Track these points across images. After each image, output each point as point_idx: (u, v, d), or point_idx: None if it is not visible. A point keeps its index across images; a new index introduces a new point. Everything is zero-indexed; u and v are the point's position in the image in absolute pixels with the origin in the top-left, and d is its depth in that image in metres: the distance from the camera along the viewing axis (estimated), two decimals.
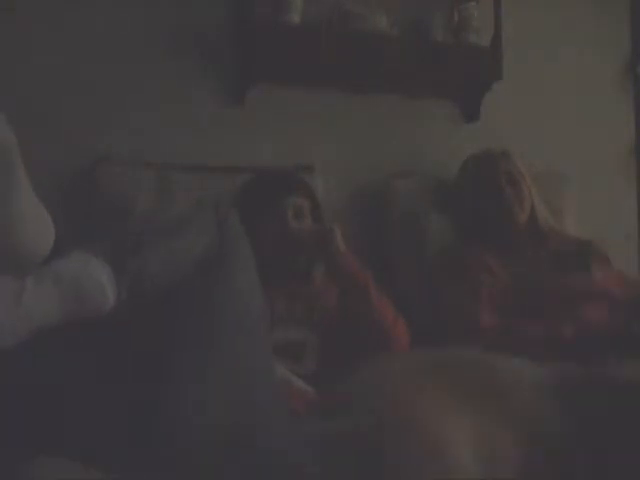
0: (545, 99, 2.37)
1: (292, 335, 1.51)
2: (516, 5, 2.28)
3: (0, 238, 0.93)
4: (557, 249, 1.91)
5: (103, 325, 1.11)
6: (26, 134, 1.04)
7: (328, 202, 1.91)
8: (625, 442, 1.15)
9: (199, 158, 1.97)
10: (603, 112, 2.47)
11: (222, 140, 2.06)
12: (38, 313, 0.99)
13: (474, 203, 1.94)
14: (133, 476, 1.13)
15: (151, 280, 1.10)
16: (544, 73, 2.38)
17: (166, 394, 1.17)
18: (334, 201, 2.01)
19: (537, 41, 2.38)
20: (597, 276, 1.84)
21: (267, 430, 1.19)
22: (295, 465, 1.20)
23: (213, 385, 1.15)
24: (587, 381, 1.21)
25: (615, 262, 1.97)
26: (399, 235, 2.06)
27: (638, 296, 1.86)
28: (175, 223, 1.15)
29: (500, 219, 1.89)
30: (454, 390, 1.12)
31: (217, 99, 2.09)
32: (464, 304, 1.74)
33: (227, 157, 2.01)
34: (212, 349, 1.16)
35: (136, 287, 1.08)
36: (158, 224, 1.15)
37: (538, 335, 1.65)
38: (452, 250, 1.93)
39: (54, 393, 1.23)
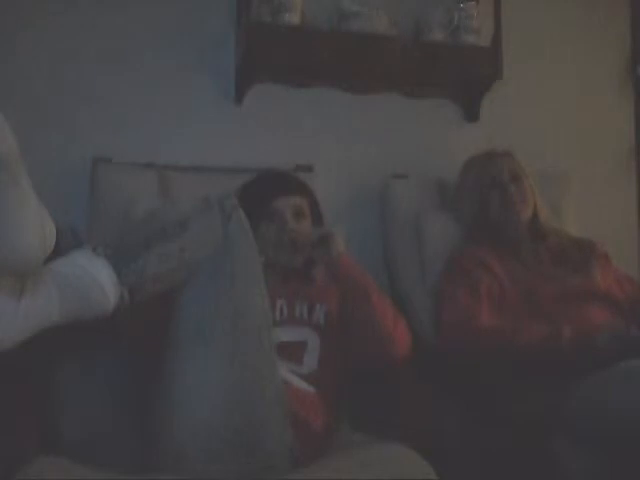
0: (545, 99, 2.37)
1: (292, 335, 1.51)
2: (516, 5, 2.28)
3: (1, 239, 0.93)
4: (558, 249, 1.91)
5: (103, 325, 1.11)
6: (26, 134, 1.04)
7: (328, 202, 1.91)
8: None
9: (199, 158, 1.97)
10: (603, 112, 2.47)
11: (222, 140, 2.07)
12: (38, 313, 0.99)
13: (477, 201, 1.93)
14: (134, 476, 1.13)
15: (152, 280, 1.10)
16: (544, 73, 2.38)
17: (166, 394, 1.17)
18: (334, 201, 2.01)
19: (537, 41, 2.38)
20: (597, 277, 1.84)
21: (268, 431, 1.19)
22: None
23: (214, 385, 1.15)
24: None
25: (615, 262, 1.97)
26: (399, 235, 2.06)
27: (638, 297, 1.86)
28: (176, 223, 1.15)
29: (504, 216, 1.89)
30: None
31: (217, 99, 2.09)
32: (463, 303, 1.74)
33: (227, 157, 2.01)
34: (214, 349, 1.16)
35: (137, 287, 1.08)
36: (158, 224, 1.15)
37: (537, 335, 1.65)
38: (452, 249, 1.93)
39: (54, 393, 1.23)
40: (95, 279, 1.04)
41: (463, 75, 2.21)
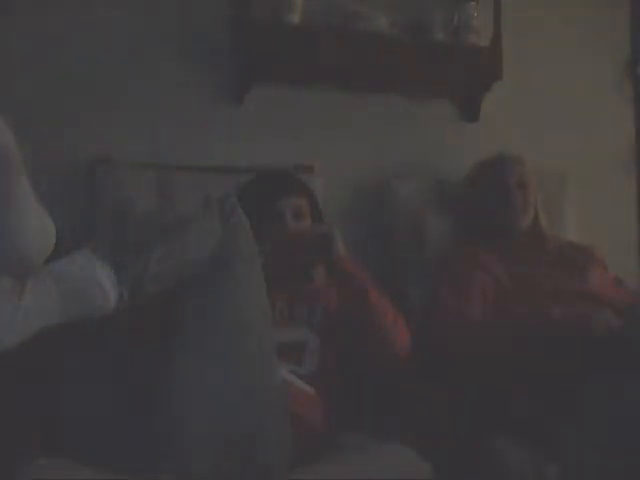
0: (545, 99, 2.37)
1: (292, 336, 1.51)
2: (516, 5, 2.28)
3: (1, 239, 0.93)
4: (556, 253, 1.91)
5: (103, 325, 1.11)
6: (26, 134, 1.04)
7: (328, 202, 1.91)
8: None
9: (199, 158, 1.97)
10: (603, 112, 2.47)
11: (222, 140, 2.06)
12: (38, 313, 0.99)
13: (482, 203, 1.94)
14: (133, 476, 1.13)
15: (152, 280, 1.10)
16: (544, 73, 2.38)
17: (166, 394, 1.17)
18: (334, 201, 2.01)
19: (537, 41, 2.38)
20: (594, 280, 1.85)
21: (268, 431, 1.19)
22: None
23: (214, 386, 1.16)
24: None
25: (614, 263, 1.97)
26: (399, 235, 2.06)
27: (633, 302, 1.86)
28: (176, 223, 1.15)
29: (505, 221, 1.89)
30: None
31: (217, 99, 2.09)
32: (450, 304, 1.73)
33: (227, 157, 2.01)
34: (214, 349, 1.16)
35: (137, 287, 1.08)
36: (158, 224, 1.15)
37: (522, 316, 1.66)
38: (447, 249, 1.93)
39: (54, 393, 1.23)
40: (95, 279, 1.04)
41: (463, 75, 2.21)
